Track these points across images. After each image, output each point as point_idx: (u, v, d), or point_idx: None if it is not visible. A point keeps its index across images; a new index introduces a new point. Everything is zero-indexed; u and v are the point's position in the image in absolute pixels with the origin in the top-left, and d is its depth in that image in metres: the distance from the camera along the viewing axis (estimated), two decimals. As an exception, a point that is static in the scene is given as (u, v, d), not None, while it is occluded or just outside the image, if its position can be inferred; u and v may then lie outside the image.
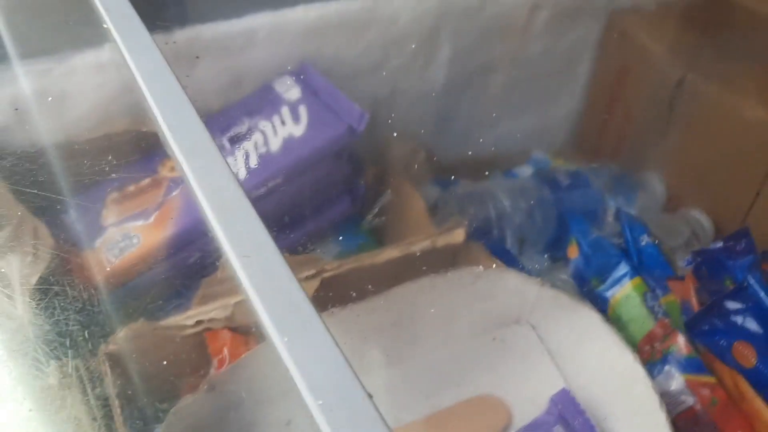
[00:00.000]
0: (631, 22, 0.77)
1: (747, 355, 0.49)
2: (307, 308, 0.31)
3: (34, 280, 0.49)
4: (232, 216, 0.35)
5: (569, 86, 0.82)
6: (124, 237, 0.55)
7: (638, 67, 0.77)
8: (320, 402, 0.28)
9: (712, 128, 0.71)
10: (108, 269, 0.54)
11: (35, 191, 0.53)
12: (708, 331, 0.50)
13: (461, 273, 0.47)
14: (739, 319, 0.48)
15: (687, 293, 0.57)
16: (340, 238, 0.62)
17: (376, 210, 0.58)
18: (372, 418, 0.28)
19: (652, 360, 0.53)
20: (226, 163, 0.38)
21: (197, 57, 0.56)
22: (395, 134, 0.69)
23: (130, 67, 0.44)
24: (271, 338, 0.30)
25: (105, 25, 0.48)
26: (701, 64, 0.73)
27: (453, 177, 0.75)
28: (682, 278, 0.58)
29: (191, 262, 0.56)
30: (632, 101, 0.80)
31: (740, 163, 0.67)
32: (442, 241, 0.53)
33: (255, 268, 0.33)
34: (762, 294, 0.49)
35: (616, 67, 0.79)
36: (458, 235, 0.54)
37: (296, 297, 0.32)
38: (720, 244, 0.59)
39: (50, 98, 0.57)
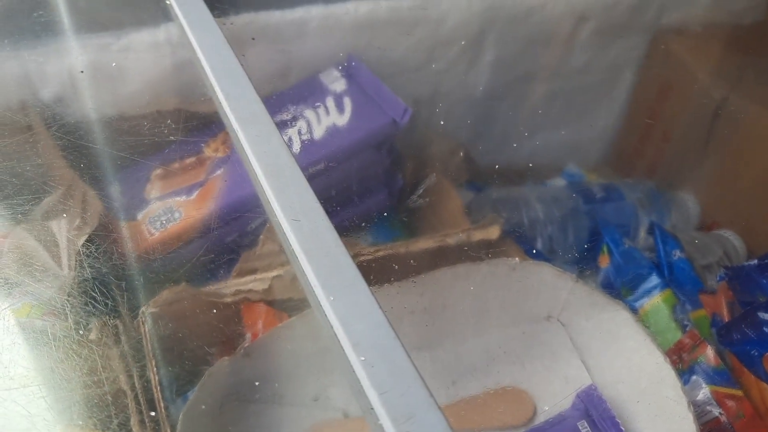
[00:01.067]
0: (677, 42, 0.77)
1: (778, 367, 0.48)
2: (352, 271, 0.33)
3: (80, 242, 0.50)
4: (284, 181, 0.36)
5: (609, 101, 0.83)
6: (166, 211, 0.57)
7: (680, 86, 0.77)
8: (362, 358, 0.29)
9: (750, 151, 0.71)
10: (149, 240, 0.55)
11: (86, 159, 0.55)
12: (739, 340, 0.50)
13: (497, 263, 0.48)
14: (771, 331, 0.48)
15: (719, 306, 0.57)
16: (375, 229, 0.63)
17: (421, 191, 0.58)
18: (411, 375, 0.28)
19: (680, 370, 0.53)
20: (279, 132, 0.39)
21: (253, 38, 0.58)
22: (435, 133, 0.70)
23: (190, 39, 0.45)
24: (317, 297, 0.31)
25: (168, 1, 0.50)
26: (743, 87, 0.73)
27: (486, 183, 0.75)
28: (714, 292, 0.58)
29: (230, 239, 0.57)
30: (672, 120, 0.80)
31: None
32: (477, 235, 0.54)
33: (304, 231, 0.34)
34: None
35: (658, 85, 0.80)
36: (493, 231, 0.55)
37: (342, 260, 0.33)
38: (755, 262, 0.58)
39: (107, 72, 0.59)
